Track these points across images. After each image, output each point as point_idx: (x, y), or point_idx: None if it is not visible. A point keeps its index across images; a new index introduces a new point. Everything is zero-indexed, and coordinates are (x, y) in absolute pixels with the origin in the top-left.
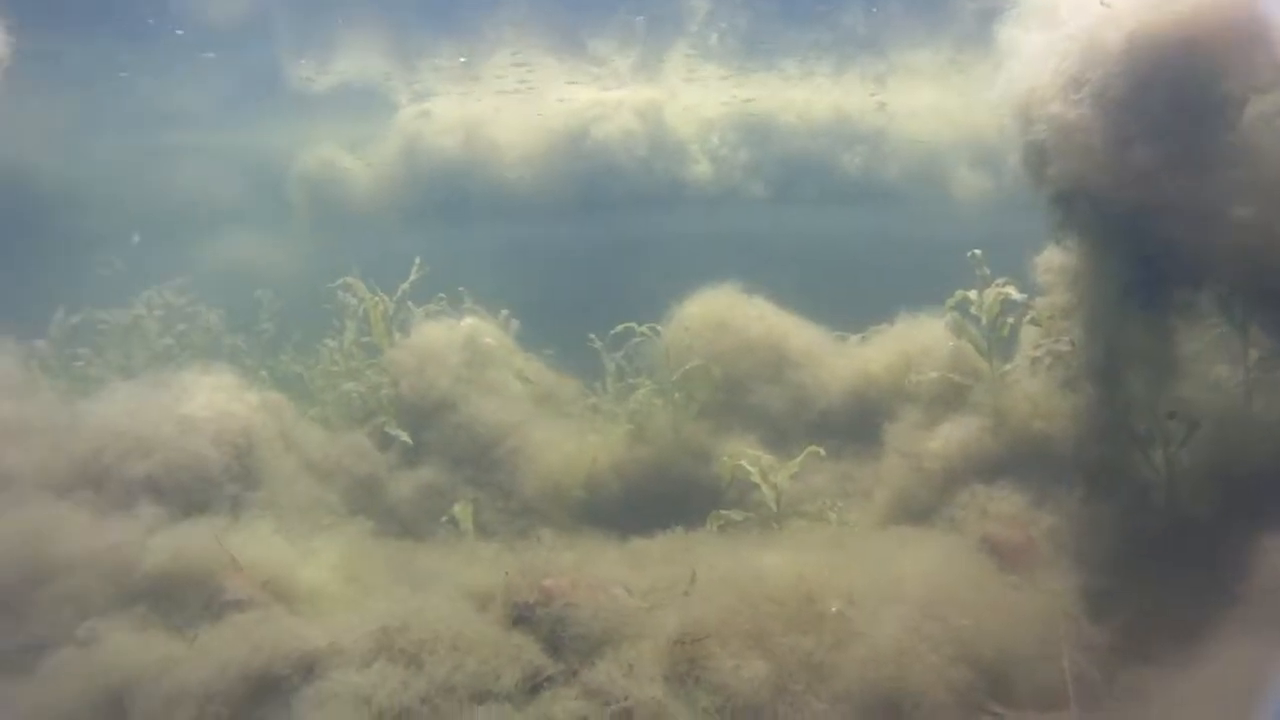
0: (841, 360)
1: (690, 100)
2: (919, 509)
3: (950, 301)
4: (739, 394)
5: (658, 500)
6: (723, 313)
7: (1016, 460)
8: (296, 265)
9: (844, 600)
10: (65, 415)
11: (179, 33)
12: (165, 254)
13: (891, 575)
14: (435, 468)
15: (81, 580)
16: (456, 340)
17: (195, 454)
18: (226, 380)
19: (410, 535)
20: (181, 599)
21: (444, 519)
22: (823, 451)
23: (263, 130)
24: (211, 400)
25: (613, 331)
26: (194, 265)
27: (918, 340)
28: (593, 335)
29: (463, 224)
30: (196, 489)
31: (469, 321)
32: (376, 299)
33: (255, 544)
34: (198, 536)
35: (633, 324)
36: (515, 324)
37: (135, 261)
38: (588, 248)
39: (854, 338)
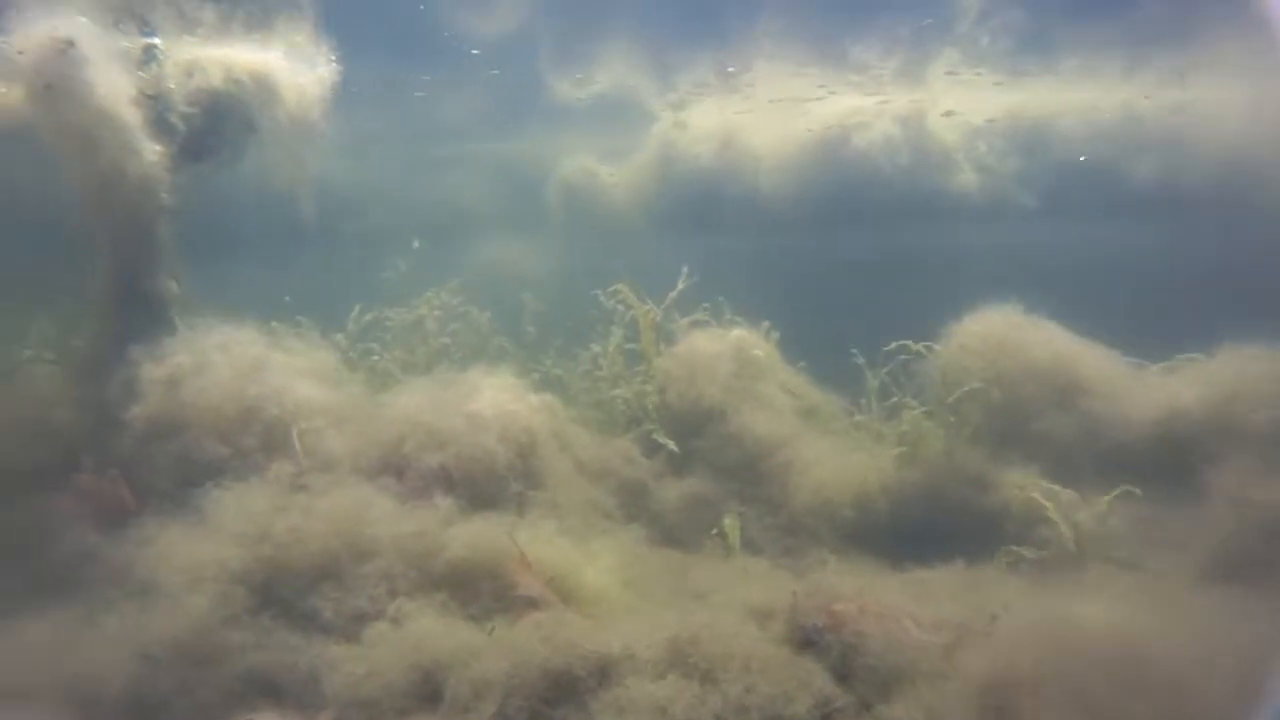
0: (1143, 390)
1: (955, 105)
2: (1252, 569)
3: None
4: (1020, 421)
5: (929, 527)
6: (1003, 334)
7: None
8: (555, 270)
9: (1176, 669)
10: (371, 406)
11: (475, 52)
12: (438, 256)
13: (1231, 646)
14: (702, 478)
15: (390, 562)
16: (724, 351)
17: (484, 449)
18: (508, 381)
19: (677, 544)
20: (476, 589)
21: (713, 531)
22: (1138, 492)
23: (523, 141)
24: (496, 399)
25: (885, 349)
26: (463, 268)
27: (1244, 373)
28: (854, 350)
29: (717, 233)
30: (485, 483)
31: (737, 333)
32: (646, 308)
33: (541, 542)
34: (490, 530)
35: (906, 343)
36: (775, 334)
37: (415, 263)
38: (845, 259)
39: (1155, 366)
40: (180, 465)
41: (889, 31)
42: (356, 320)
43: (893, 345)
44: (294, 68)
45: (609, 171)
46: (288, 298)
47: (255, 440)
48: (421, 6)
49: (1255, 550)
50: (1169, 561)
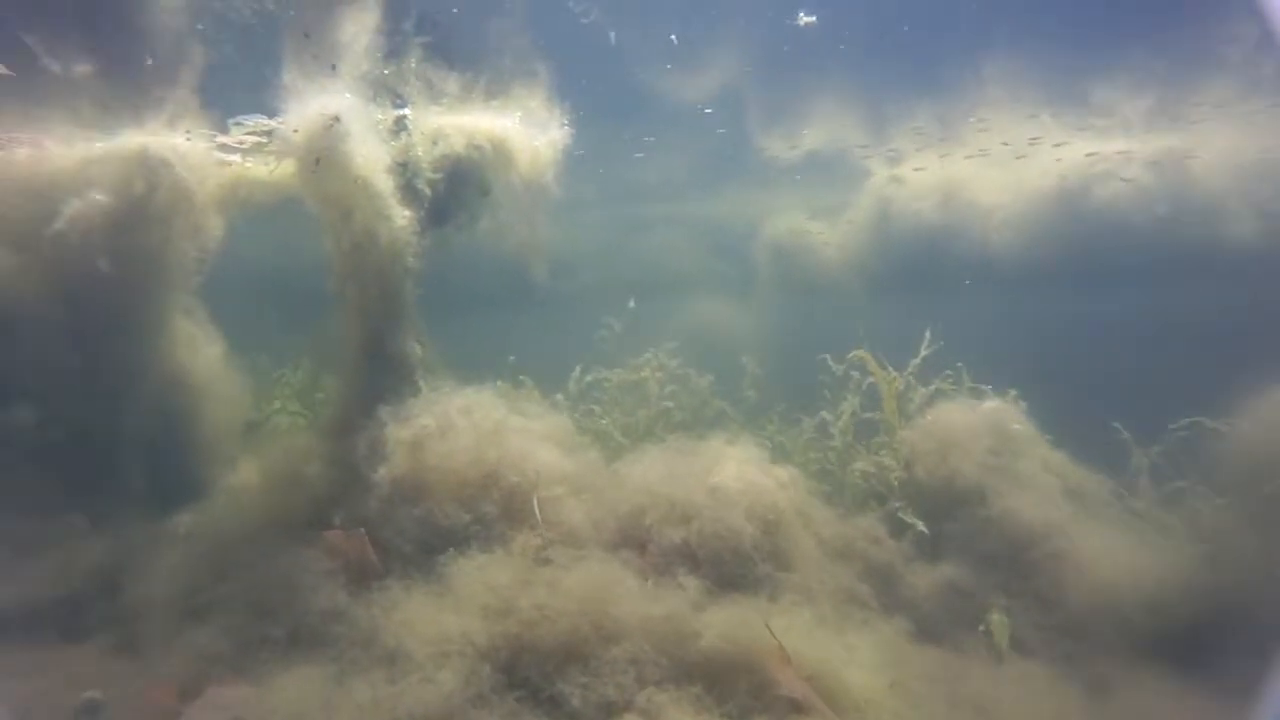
0: None
1: (1225, 145)
2: None
3: None
4: None
5: (1245, 644)
6: None
7: None
8: (767, 331)
9: None
10: (607, 473)
11: (707, 111)
12: (647, 317)
13: None
14: (959, 565)
15: (639, 646)
16: (978, 424)
17: (730, 526)
18: (751, 452)
19: (936, 640)
20: (732, 684)
21: (978, 628)
22: None
23: (730, 200)
24: (742, 472)
25: (1167, 424)
26: (672, 329)
27: None
28: (1117, 425)
29: (939, 292)
30: (730, 563)
31: (991, 404)
32: (889, 375)
33: (798, 634)
34: (744, 618)
35: (1199, 419)
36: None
37: (627, 324)
38: (1091, 320)
39: None
40: (423, 529)
41: (1141, 67)
42: (577, 381)
43: (1182, 422)
44: (529, 132)
45: (819, 230)
46: (511, 358)
47: (496, 507)
48: (669, 66)
49: None
50: None
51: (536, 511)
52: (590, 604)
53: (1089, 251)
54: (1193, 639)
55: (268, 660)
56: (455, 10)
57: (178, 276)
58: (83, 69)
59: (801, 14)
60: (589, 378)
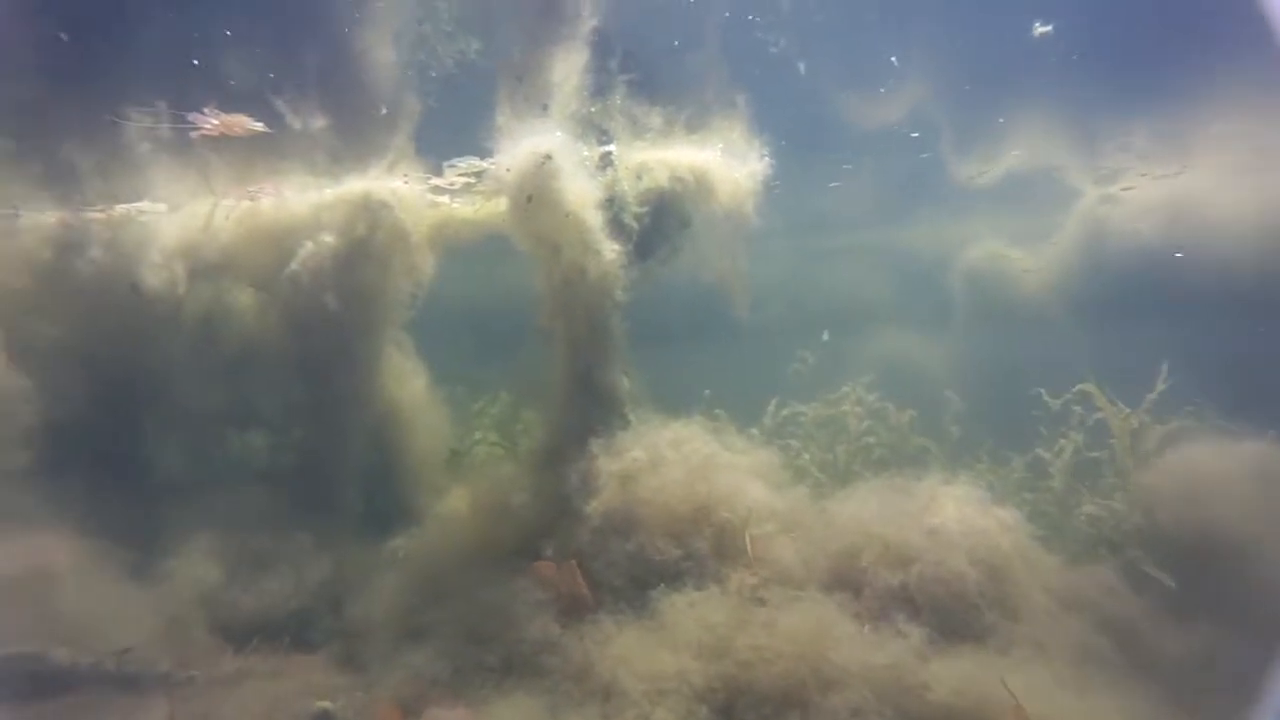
0: None
1: None
2: None
3: None
4: None
5: None
6: None
7: None
8: (965, 364)
9: None
10: (817, 511)
11: (914, 135)
12: (838, 350)
13: None
14: (1218, 628)
15: (861, 696)
16: (1237, 469)
17: (952, 571)
18: (970, 492)
19: (1192, 713)
20: None
21: (1243, 703)
22: None
23: (921, 228)
24: (962, 513)
25: None
26: (864, 362)
27: None
28: None
29: (1161, 321)
30: (953, 610)
31: (1254, 446)
32: (1122, 413)
33: (1035, 692)
34: (975, 672)
35: None
36: None
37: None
38: None
39: None
40: (634, 563)
41: None
42: (773, 415)
43: None
44: (729, 164)
45: (1020, 256)
46: (707, 391)
47: (707, 543)
48: (859, 91)
49: None
50: None
51: (749, 549)
52: (808, 647)
53: None
54: None
55: (483, 686)
56: (656, 45)
57: (393, 312)
58: (319, 124)
59: (1037, 24)
60: (785, 411)
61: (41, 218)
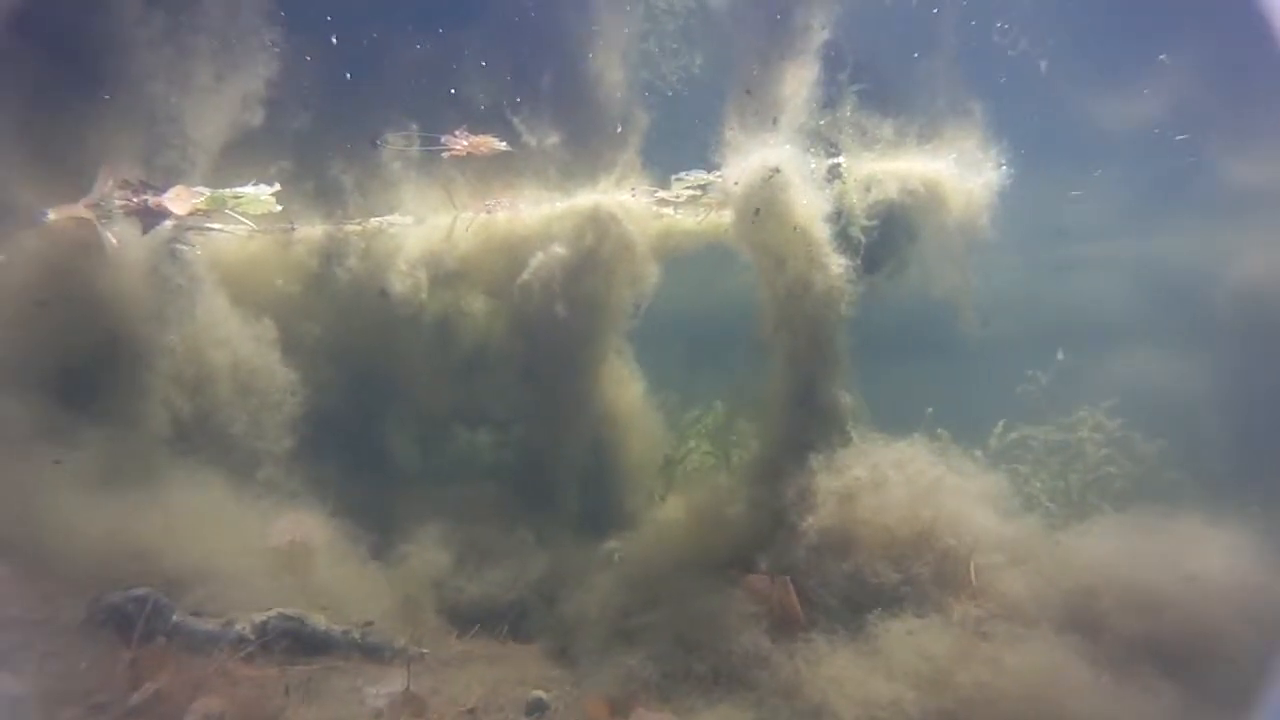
0: None
1: None
2: None
3: None
4: None
5: None
6: None
7: None
8: (1233, 391)
9: None
10: (1049, 543)
11: (1180, 137)
12: (1074, 369)
13: None
14: None
15: None
16: None
17: (1213, 626)
18: (1242, 539)
19: None
20: None
21: None
22: None
23: (1177, 237)
24: (1231, 564)
25: None
26: (1102, 383)
27: None
28: None
29: None
30: (1208, 671)
31: None
32: None
33: None
34: None
35: None
36: None
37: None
38: None
39: None
40: (850, 584)
41: None
42: (1000, 437)
43: None
44: (962, 174)
45: None
46: (930, 409)
47: (928, 570)
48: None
49: None
50: None
51: (973, 578)
52: (1038, 690)
53: None
54: None
55: (690, 693)
56: (889, 54)
57: (616, 320)
58: (552, 140)
59: None
60: (1013, 434)
61: (311, 230)
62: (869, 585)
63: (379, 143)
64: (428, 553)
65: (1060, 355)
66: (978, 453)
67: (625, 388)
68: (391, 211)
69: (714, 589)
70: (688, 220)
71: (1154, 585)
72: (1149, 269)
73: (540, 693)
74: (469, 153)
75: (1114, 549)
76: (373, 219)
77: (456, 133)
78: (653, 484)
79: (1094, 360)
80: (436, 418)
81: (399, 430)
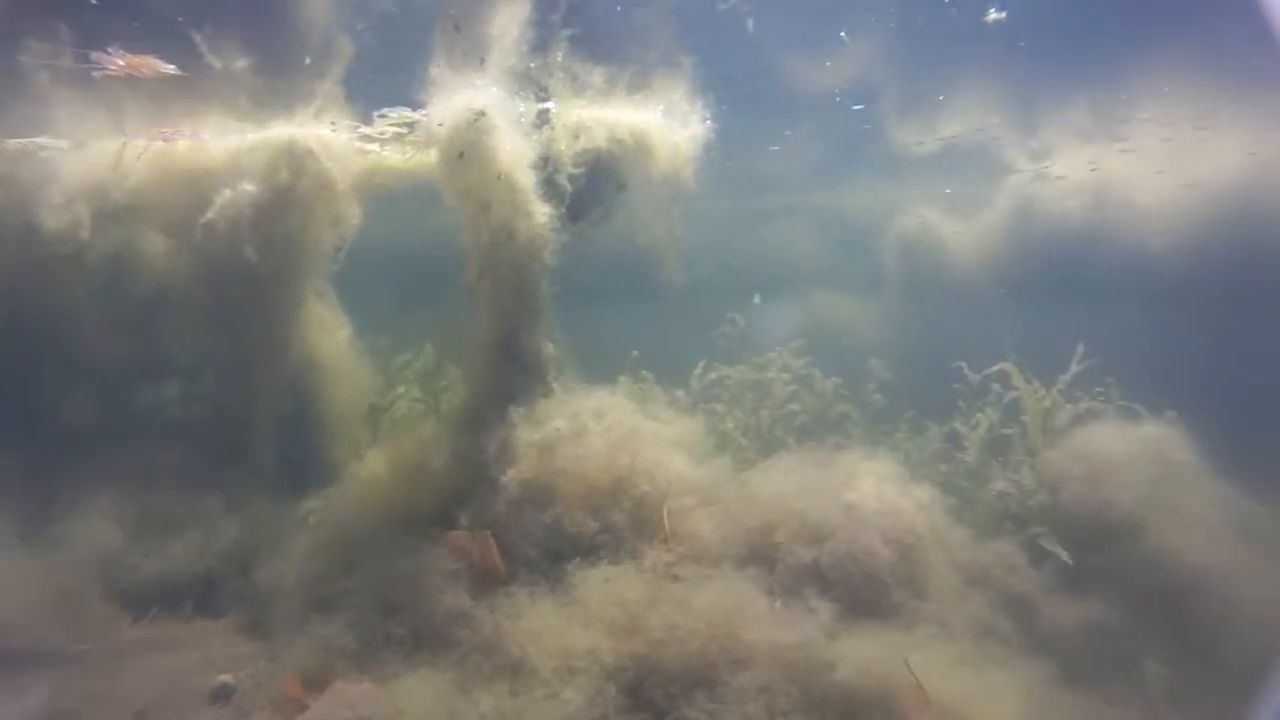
0: None
1: None
2: None
3: None
4: None
5: None
6: None
7: None
8: (894, 333)
9: None
10: (736, 484)
11: (857, 107)
12: (766, 313)
13: None
14: (1106, 603)
15: (769, 674)
16: (1135, 451)
17: (865, 549)
18: (889, 469)
19: (1080, 684)
20: None
21: (1130, 680)
22: None
23: (853, 193)
24: (880, 492)
25: None
26: (793, 326)
27: None
28: None
29: (1084, 302)
30: (863, 588)
31: (1152, 429)
32: (1037, 394)
33: (935, 670)
34: (880, 651)
35: None
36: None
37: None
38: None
39: None
40: (550, 535)
41: None
42: (699, 378)
43: None
44: (670, 126)
45: (955, 228)
46: (635, 353)
47: (625, 516)
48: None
49: None
50: None
51: (666, 524)
52: (720, 626)
53: (1259, 265)
54: None
55: (391, 659)
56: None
57: (316, 262)
58: (241, 64)
59: (992, 11)
60: (711, 375)
61: None
62: (568, 535)
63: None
64: (95, 529)
65: (757, 299)
66: (680, 393)
67: (328, 333)
68: (40, 132)
69: (415, 548)
70: (395, 158)
71: (821, 517)
72: (835, 220)
73: (226, 677)
74: (129, 75)
75: (790, 486)
76: (12, 140)
77: (110, 50)
78: (359, 434)
79: (788, 303)
80: (112, 370)
81: (63, 386)
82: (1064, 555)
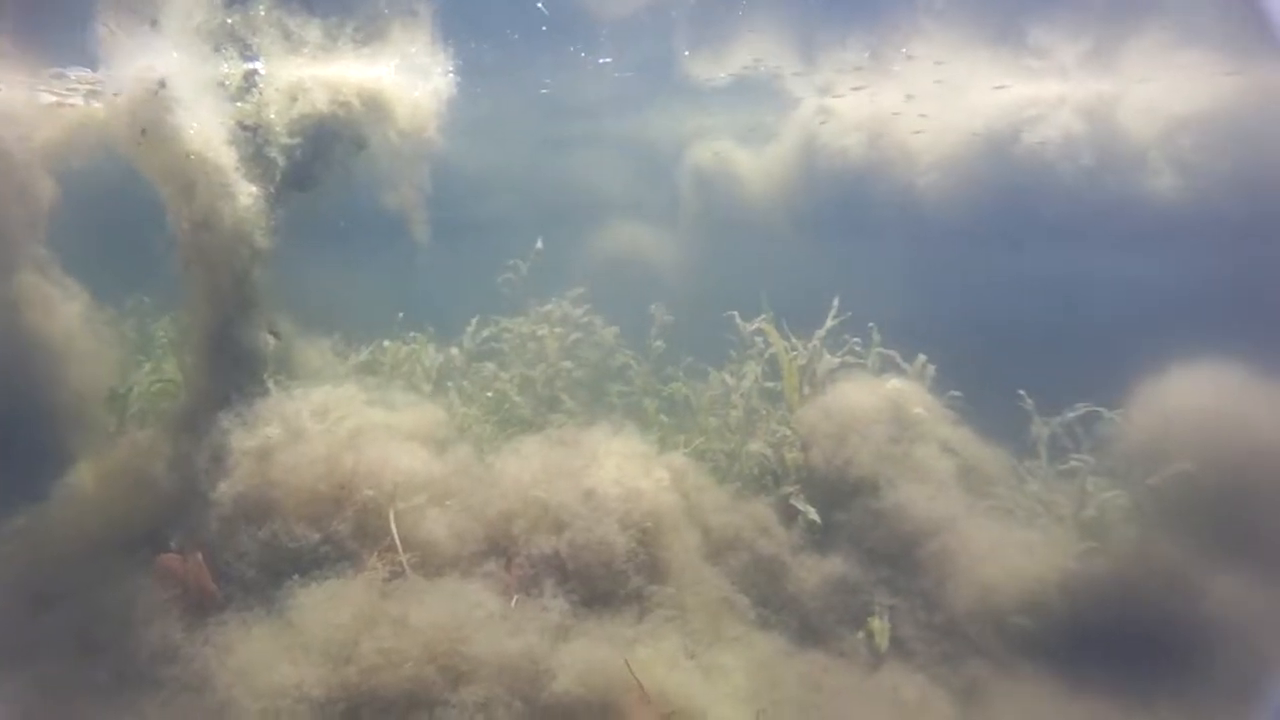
0: None
1: (1155, 95)
2: None
3: None
4: (1243, 516)
5: (1116, 636)
6: (1223, 400)
7: None
8: (686, 272)
9: None
10: (479, 472)
11: (604, 61)
12: (563, 247)
13: None
14: (847, 559)
15: (491, 689)
16: (879, 406)
17: (602, 538)
18: (635, 447)
19: (819, 641)
20: None
21: (858, 634)
22: None
23: (654, 121)
24: (622, 473)
25: (1065, 415)
26: (589, 265)
27: None
28: (1022, 393)
29: (863, 236)
30: (601, 578)
31: (894, 384)
32: (791, 351)
33: (662, 664)
34: (604, 655)
35: (1092, 407)
36: (931, 370)
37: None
38: (1015, 276)
39: None
40: (268, 552)
41: (1081, 6)
42: (473, 336)
43: (1077, 409)
44: (407, 82)
45: (748, 159)
46: (401, 314)
47: (349, 525)
48: None
49: None
50: None
51: (393, 530)
52: (441, 643)
53: (1013, 200)
54: (1068, 634)
55: (91, 707)
56: None
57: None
58: None
59: None
60: (485, 331)
61: None
62: (287, 551)
63: None
64: None
65: (540, 245)
66: (455, 350)
67: (52, 309)
68: None
69: (124, 575)
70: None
71: (561, 504)
72: (633, 147)
73: None
74: None
75: (531, 471)
76: None
77: None
78: (101, 421)
79: (584, 235)
80: None
81: None
82: (812, 514)
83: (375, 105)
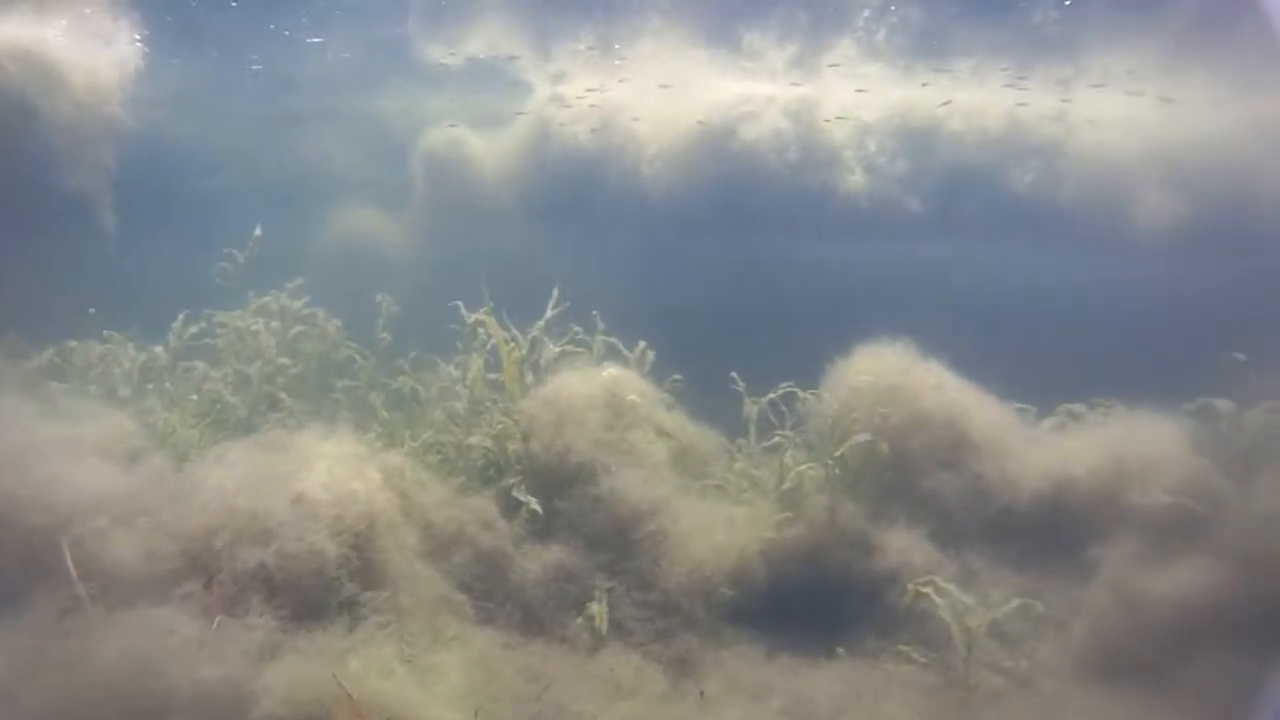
0: (1034, 452)
1: (848, 101)
2: (1131, 664)
3: (1191, 407)
4: (908, 477)
5: (808, 596)
6: (894, 378)
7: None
8: (416, 258)
9: None
10: (176, 483)
11: (314, 41)
12: (290, 229)
13: None
14: (568, 547)
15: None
16: (596, 395)
17: (311, 547)
18: (349, 448)
19: (541, 630)
20: None
21: (579, 619)
22: (1040, 607)
23: (389, 103)
24: (332, 477)
25: (770, 396)
26: (313, 250)
27: (1134, 444)
28: (734, 375)
29: (591, 223)
30: (312, 587)
31: (610, 373)
32: (511, 343)
33: (375, 673)
34: (312, 671)
35: (792, 387)
36: (651, 355)
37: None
38: (730, 263)
39: (1045, 422)
40: None
41: (787, 18)
42: (180, 332)
43: (778, 390)
44: (83, 47)
45: (481, 143)
46: (92, 310)
47: (15, 558)
48: None
49: (1134, 648)
50: (1046, 650)
51: (68, 560)
52: (123, 681)
53: (730, 190)
54: (768, 599)
55: None
56: None
57: None
58: None
59: None
60: (193, 328)
61: None
62: None
63: None
64: None
65: (259, 232)
66: (159, 349)
67: None
68: None
69: None
70: None
71: (269, 512)
72: (371, 127)
73: None
74: None
75: (235, 480)
76: None
77: None
78: None
79: (314, 216)
80: None
81: None
82: (534, 504)
83: (41, 72)
